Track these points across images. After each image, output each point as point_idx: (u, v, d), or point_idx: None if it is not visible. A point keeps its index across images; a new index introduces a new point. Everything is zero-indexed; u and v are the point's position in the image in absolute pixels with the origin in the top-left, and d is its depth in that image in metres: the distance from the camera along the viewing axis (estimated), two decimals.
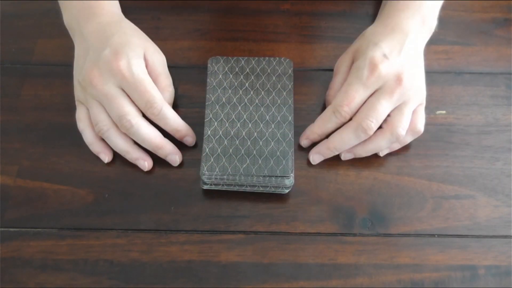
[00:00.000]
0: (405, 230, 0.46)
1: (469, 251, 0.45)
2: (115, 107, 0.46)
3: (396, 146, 0.50)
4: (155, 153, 0.48)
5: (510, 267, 0.44)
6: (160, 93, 0.48)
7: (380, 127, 0.48)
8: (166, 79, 0.50)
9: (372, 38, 0.49)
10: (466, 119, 0.52)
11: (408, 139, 0.49)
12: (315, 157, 0.49)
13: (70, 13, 0.51)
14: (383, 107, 0.47)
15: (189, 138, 0.50)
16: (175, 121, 0.48)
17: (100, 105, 0.48)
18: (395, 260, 0.45)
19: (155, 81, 0.49)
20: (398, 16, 0.50)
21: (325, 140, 0.49)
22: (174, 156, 0.48)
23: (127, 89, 0.47)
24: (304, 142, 0.50)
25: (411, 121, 0.49)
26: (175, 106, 0.51)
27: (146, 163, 0.48)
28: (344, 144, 0.48)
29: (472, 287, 0.44)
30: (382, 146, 0.48)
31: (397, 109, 0.48)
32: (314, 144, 0.50)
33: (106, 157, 0.49)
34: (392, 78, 0.47)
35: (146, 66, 0.49)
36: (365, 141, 0.48)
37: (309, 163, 0.49)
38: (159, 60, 0.50)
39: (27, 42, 0.57)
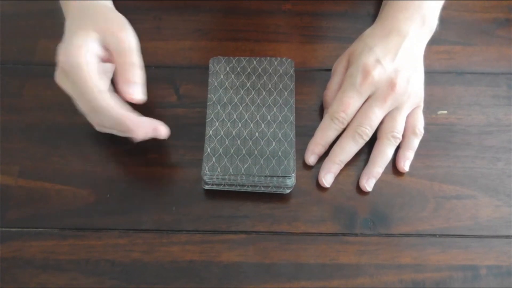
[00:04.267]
0: (407, 230, 0.46)
1: (471, 251, 0.45)
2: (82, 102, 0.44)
3: (410, 154, 0.49)
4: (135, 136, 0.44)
5: (511, 267, 0.44)
6: (99, 81, 0.43)
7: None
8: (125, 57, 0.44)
9: (369, 41, 0.50)
10: (467, 119, 0.52)
11: (415, 142, 0.49)
12: (327, 177, 0.47)
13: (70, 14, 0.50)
14: (375, 114, 0.47)
15: (159, 131, 0.45)
16: (115, 112, 0.43)
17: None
18: (397, 260, 0.45)
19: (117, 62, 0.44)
20: (397, 17, 0.50)
21: (327, 157, 0.48)
22: (156, 131, 0.44)
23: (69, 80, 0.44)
24: (311, 159, 0.49)
25: (411, 124, 0.49)
26: (176, 106, 0.51)
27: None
28: (346, 153, 0.48)
29: (473, 287, 0.44)
30: (388, 153, 0.48)
31: (389, 115, 0.48)
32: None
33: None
34: (385, 84, 0.47)
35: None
36: (373, 157, 0.48)
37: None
38: (115, 40, 0.44)
39: (29, 42, 0.57)
